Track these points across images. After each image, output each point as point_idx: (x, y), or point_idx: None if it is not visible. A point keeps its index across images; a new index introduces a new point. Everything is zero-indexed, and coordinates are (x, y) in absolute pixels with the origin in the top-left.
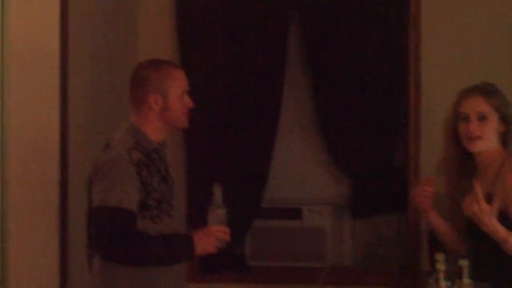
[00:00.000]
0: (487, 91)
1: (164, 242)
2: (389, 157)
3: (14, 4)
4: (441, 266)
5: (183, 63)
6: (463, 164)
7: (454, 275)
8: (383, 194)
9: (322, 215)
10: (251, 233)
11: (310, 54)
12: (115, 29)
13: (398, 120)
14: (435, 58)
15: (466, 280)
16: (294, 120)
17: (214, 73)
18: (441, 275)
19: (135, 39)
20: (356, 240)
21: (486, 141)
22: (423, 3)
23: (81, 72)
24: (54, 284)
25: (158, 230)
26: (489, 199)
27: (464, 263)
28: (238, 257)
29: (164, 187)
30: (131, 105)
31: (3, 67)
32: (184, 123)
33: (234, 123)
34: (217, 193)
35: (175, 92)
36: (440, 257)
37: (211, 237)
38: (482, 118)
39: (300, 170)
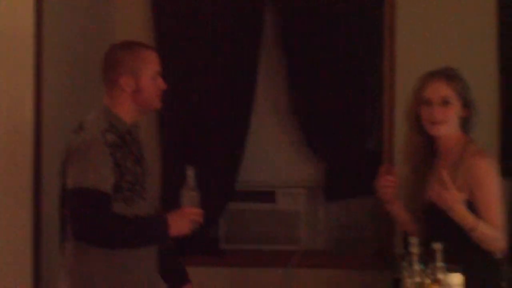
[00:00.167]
0: (450, 75)
1: (139, 223)
2: (363, 139)
3: None
4: (414, 249)
5: (158, 45)
6: (425, 149)
7: (427, 258)
8: (357, 177)
9: (296, 198)
10: (225, 216)
11: (285, 38)
12: (91, 11)
13: (372, 103)
14: (410, 39)
15: (439, 264)
16: (268, 103)
17: (188, 56)
18: (415, 258)
19: (111, 22)
20: (330, 223)
21: (449, 125)
22: None
23: (56, 55)
24: (27, 270)
25: (131, 213)
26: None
27: (437, 246)
28: (211, 240)
29: (137, 169)
30: (104, 87)
31: None
32: (156, 104)
33: (209, 106)
34: (190, 175)
35: (147, 74)
36: (413, 240)
37: (185, 219)
38: (445, 102)
39: (274, 153)
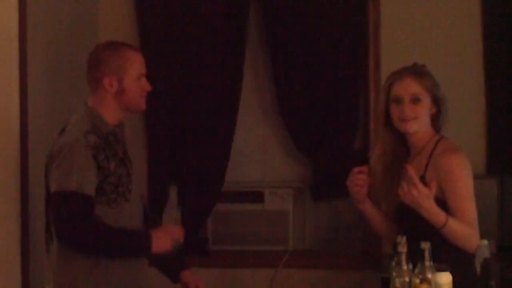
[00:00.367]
0: (419, 72)
1: (122, 234)
2: (350, 139)
3: None
4: (402, 249)
5: (142, 45)
6: (396, 148)
7: (416, 257)
8: (344, 176)
9: (283, 198)
10: (213, 217)
11: (270, 37)
12: (74, 12)
13: (358, 102)
14: (394, 40)
15: (427, 263)
16: (254, 103)
17: (173, 55)
18: (403, 258)
19: (95, 22)
20: (318, 223)
21: (419, 122)
22: None
23: (40, 56)
24: (16, 274)
25: (114, 214)
26: (422, 182)
27: (425, 245)
28: (199, 241)
29: (121, 170)
30: (88, 87)
31: None
32: (141, 106)
33: (194, 105)
34: (173, 195)
35: (131, 75)
36: (401, 239)
37: (168, 236)
38: (415, 99)
39: (261, 153)
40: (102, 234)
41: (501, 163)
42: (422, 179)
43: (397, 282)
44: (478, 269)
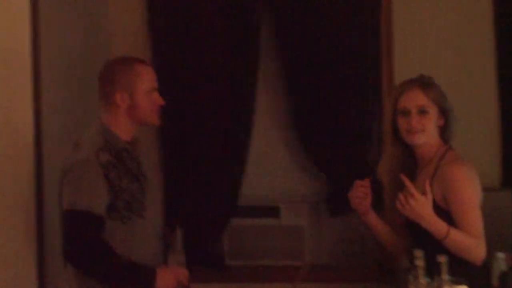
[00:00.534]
0: (425, 84)
1: (128, 263)
2: (364, 153)
3: None
4: (419, 263)
5: (155, 60)
6: (404, 160)
7: (433, 271)
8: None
9: (299, 213)
10: (229, 231)
11: (284, 50)
12: (87, 25)
13: (373, 117)
14: (408, 53)
15: (444, 276)
16: (270, 118)
17: (187, 71)
18: (420, 272)
19: (107, 33)
20: (334, 238)
21: (426, 134)
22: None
23: (53, 68)
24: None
25: (127, 230)
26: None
27: (442, 259)
28: (216, 256)
29: (135, 186)
30: (100, 102)
31: None
32: (154, 120)
33: (210, 120)
34: (178, 238)
35: (142, 90)
36: (418, 253)
37: (173, 277)
38: (422, 111)
39: (277, 167)
40: (107, 258)
41: None
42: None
43: None
44: (495, 282)
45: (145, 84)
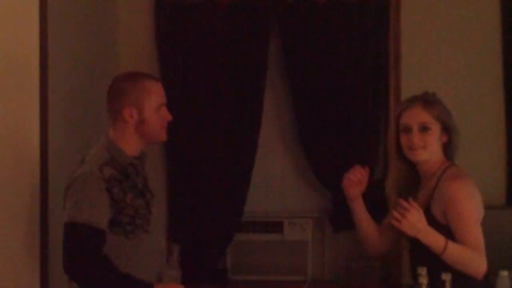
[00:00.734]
0: (428, 101)
1: (126, 278)
2: (369, 169)
3: None
4: (423, 280)
5: (162, 71)
6: (408, 176)
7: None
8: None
9: (303, 228)
10: (232, 246)
11: (290, 67)
12: (95, 34)
13: (378, 132)
14: (415, 70)
15: None
16: (274, 133)
17: (193, 85)
18: None
19: (115, 44)
20: (338, 253)
21: (429, 151)
22: (402, 11)
23: (61, 78)
24: None
25: (132, 246)
26: (429, 210)
27: (446, 277)
28: (219, 271)
29: (139, 202)
30: (108, 118)
31: None
32: (162, 137)
33: (214, 135)
34: (175, 253)
35: (151, 105)
36: (422, 270)
37: None
38: (424, 128)
39: (281, 183)
40: (105, 272)
41: None
42: (428, 206)
43: None
44: None
45: (154, 100)
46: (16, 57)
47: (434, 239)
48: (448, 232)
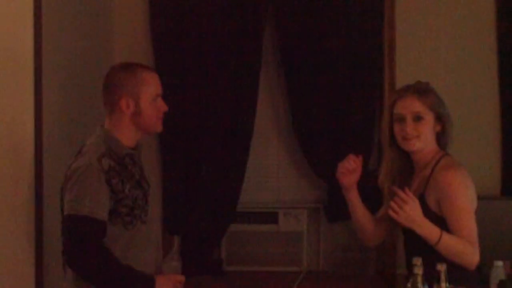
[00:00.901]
0: (421, 90)
1: (128, 271)
2: (364, 160)
3: None
4: (418, 271)
5: (157, 64)
6: (401, 165)
7: (432, 279)
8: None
9: (298, 219)
10: (227, 237)
11: (285, 59)
12: (90, 30)
13: (373, 123)
14: (409, 61)
15: (444, 285)
16: (269, 124)
17: (188, 76)
18: (419, 279)
19: (110, 41)
20: (333, 244)
21: (422, 140)
22: (397, 2)
23: (55, 74)
24: None
25: (130, 236)
26: (422, 199)
27: (441, 267)
28: (214, 262)
29: (137, 192)
30: (104, 109)
31: None
32: (157, 127)
33: (209, 126)
34: (176, 245)
35: (147, 96)
36: (417, 261)
37: (171, 285)
38: (418, 118)
39: (276, 173)
40: (107, 264)
41: None
42: (422, 196)
43: None
44: None
45: (150, 91)
46: (10, 53)
47: (429, 230)
48: (441, 221)
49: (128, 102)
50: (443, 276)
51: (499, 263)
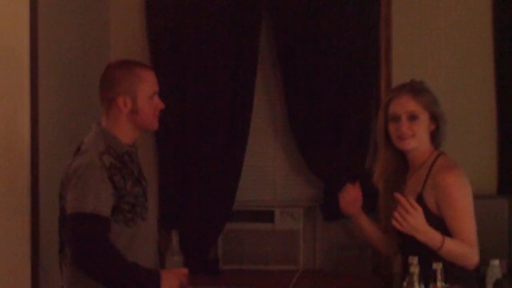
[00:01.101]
0: (416, 89)
1: (134, 267)
2: (360, 159)
3: None
4: (414, 269)
5: (153, 63)
6: (396, 165)
7: (428, 278)
8: None
9: (294, 218)
10: (223, 236)
11: (281, 57)
12: (86, 29)
13: (369, 122)
14: (405, 60)
15: (440, 284)
16: (265, 122)
17: (185, 74)
18: (415, 278)
19: (106, 39)
20: (329, 242)
21: (417, 139)
22: (393, 1)
23: (51, 72)
24: None
25: (131, 233)
26: (420, 198)
27: (437, 266)
28: (210, 261)
29: (137, 189)
30: (101, 107)
31: None
32: (154, 125)
33: (206, 124)
34: (175, 239)
35: (144, 94)
36: (413, 260)
37: (177, 279)
38: (412, 117)
39: (272, 172)
40: (113, 260)
41: None
42: (421, 196)
43: None
44: None
45: (147, 88)
46: (6, 51)
47: (431, 237)
48: (441, 221)
49: (125, 100)
50: (439, 275)
51: (496, 262)
